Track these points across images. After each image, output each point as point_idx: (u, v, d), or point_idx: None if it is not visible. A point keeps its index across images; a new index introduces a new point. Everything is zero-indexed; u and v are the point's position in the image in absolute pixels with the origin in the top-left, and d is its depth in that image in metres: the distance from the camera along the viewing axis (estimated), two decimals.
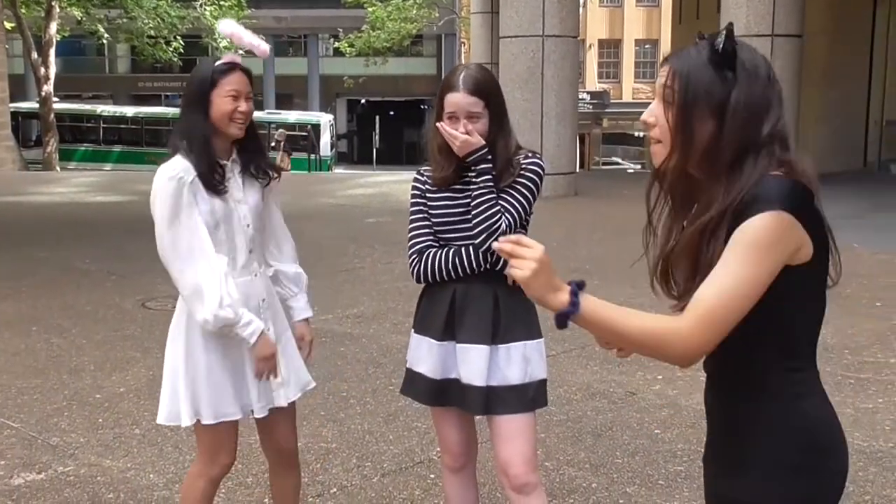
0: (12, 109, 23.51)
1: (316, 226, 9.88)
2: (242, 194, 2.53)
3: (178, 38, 25.47)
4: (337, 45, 32.98)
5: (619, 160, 34.63)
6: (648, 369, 4.86)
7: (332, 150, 30.34)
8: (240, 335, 2.42)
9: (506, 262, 2.39)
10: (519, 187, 2.43)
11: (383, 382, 4.73)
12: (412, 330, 2.58)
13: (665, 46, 32.68)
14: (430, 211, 2.48)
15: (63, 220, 11.07)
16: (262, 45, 2.57)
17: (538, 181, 2.46)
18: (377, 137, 35.39)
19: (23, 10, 23.10)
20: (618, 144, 36.82)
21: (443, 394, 2.49)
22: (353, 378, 4.83)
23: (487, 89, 2.39)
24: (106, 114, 30.98)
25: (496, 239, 2.37)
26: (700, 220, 1.49)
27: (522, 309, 2.46)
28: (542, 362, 2.49)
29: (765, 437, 1.52)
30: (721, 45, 1.49)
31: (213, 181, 2.43)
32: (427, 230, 2.48)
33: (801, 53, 11.21)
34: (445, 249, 2.45)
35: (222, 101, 2.42)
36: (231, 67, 2.46)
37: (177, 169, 2.41)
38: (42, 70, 23.12)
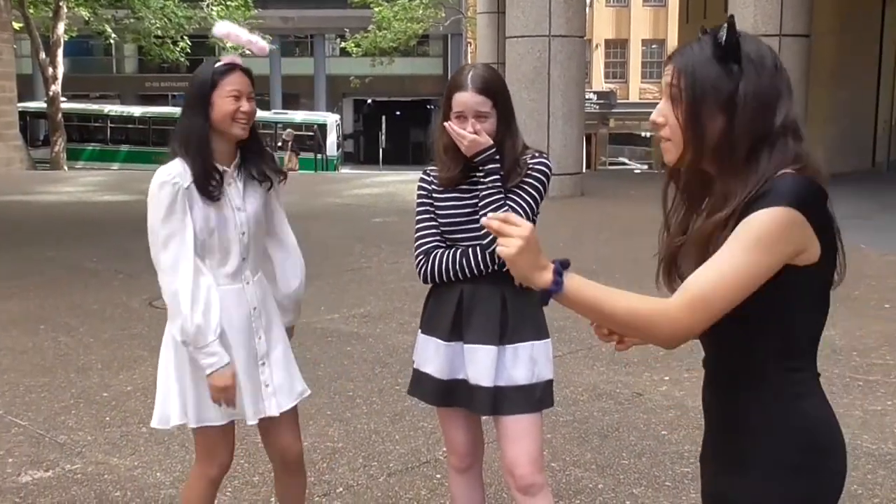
0: (20, 109, 23.62)
1: (322, 225, 9.89)
2: (242, 201, 2.50)
3: (185, 38, 25.52)
4: (343, 45, 33.04)
5: (626, 160, 34.58)
6: (655, 370, 4.85)
7: (338, 149, 30.36)
8: (198, 361, 2.40)
9: None
10: (526, 187, 2.42)
11: (390, 382, 4.73)
12: (419, 330, 2.57)
13: (672, 46, 32.57)
14: (437, 211, 2.47)
15: (70, 220, 11.11)
16: (261, 43, 2.55)
17: (545, 181, 2.46)
18: (383, 137, 35.40)
19: (31, 11, 23.19)
20: (624, 145, 36.78)
21: (450, 394, 2.49)
22: (359, 378, 4.83)
23: (495, 88, 2.39)
24: (113, 113, 31.07)
25: None
26: (716, 217, 1.48)
27: (530, 309, 2.45)
28: (548, 363, 2.48)
29: (765, 437, 1.52)
30: (724, 39, 1.48)
31: (208, 187, 2.41)
32: (434, 230, 2.48)
33: (808, 53, 11.18)
34: (453, 250, 2.44)
35: (224, 101, 2.41)
36: (231, 68, 2.45)
37: (172, 173, 2.39)
38: (50, 70, 23.20)
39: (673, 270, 1.61)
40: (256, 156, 2.56)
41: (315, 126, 28.41)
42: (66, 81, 25.19)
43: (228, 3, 25.02)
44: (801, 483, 1.50)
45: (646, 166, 30.47)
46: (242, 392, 2.51)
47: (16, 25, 22.88)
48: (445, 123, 2.39)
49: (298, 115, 30.68)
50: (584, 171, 13.66)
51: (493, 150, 2.37)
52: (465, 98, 2.35)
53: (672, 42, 32.68)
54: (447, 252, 2.44)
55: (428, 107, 38.26)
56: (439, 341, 2.47)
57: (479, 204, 2.39)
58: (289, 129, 25.86)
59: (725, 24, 1.49)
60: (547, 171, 2.46)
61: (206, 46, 28.18)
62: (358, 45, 30.50)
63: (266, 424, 2.62)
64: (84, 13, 24.62)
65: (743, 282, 1.41)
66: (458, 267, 2.42)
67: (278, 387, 2.58)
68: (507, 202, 2.38)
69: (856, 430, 3.96)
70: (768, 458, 1.51)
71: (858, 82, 15.29)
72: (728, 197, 1.47)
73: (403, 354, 5.00)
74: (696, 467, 3.76)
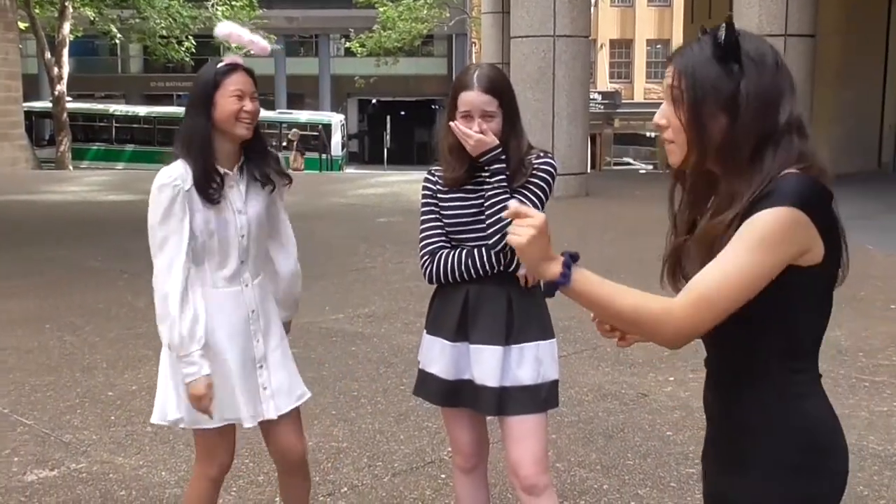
0: (26, 109, 23.71)
1: (327, 225, 9.90)
2: (244, 204, 2.50)
3: (190, 37, 25.59)
4: (348, 45, 33.06)
5: (631, 160, 34.54)
6: (660, 371, 4.84)
7: (342, 149, 30.39)
8: (179, 366, 2.40)
9: (518, 264, 2.40)
10: (532, 187, 2.41)
11: (394, 382, 4.73)
12: (424, 330, 2.57)
13: (677, 46, 32.55)
14: (443, 212, 2.46)
15: (75, 219, 11.13)
16: (262, 43, 2.55)
17: (551, 181, 2.45)
18: (388, 137, 35.42)
19: (36, 11, 23.27)
20: (629, 145, 36.73)
21: (455, 395, 2.49)
22: (364, 377, 4.83)
23: (501, 88, 2.38)
24: (118, 113, 31.15)
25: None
26: (721, 217, 1.47)
27: (535, 309, 2.46)
28: (554, 363, 2.48)
29: (765, 437, 1.51)
30: (723, 38, 1.47)
31: (208, 189, 2.41)
32: (439, 230, 2.47)
33: (814, 53, 11.15)
34: (458, 250, 2.44)
35: (227, 101, 2.41)
36: (234, 68, 2.45)
37: (173, 176, 2.40)
38: (55, 70, 23.26)
39: (677, 270, 1.61)
40: (260, 157, 2.55)
41: (320, 126, 28.44)
42: (72, 81, 25.24)
43: (233, 2, 25.07)
44: (802, 483, 1.50)
45: (651, 166, 30.42)
46: (238, 396, 2.50)
47: (21, 25, 22.96)
48: (451, 123, 2.38)
49: (303, 115, 30.72)
50: (588, 171, 13.64)
51: (500, 149, 2.36)
52: (472, 97, 2.34)
53: (677, 42, 32.62)
54: (453, 252, 2.43)
55: (433, 107, 38.28)
56: (445, 342, 2.47)
57: (485, 204, 2.38)
58: (294, 129, 25.90)
59: (724, 24, 1.49)
60: (552, 170, 2.46)
61: (212, 46, 28.19)
62: (363, 45, 30.51)
63: (267, 426, 2.62)
64: (89, 13, 24.69)
65: (747, 282, 1.40)
66: (463, 267, 2.41)
67: (276, 390, 2.57)
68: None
69: (862, 431, 3.95)
70: (768, 458, 1.51)
71: (864, 82, 15.26)
72: (734, 197, 1.46)
73: (408, 354, 5.00)
74: (701, 468, 3.74)
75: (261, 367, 2.56)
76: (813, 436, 1.51)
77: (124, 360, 5.15)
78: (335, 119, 30.30)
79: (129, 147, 29.81)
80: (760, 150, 1.46)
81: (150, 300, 2.50)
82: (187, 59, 26.29)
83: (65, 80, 23.60)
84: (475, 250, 2.41)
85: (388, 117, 36.30)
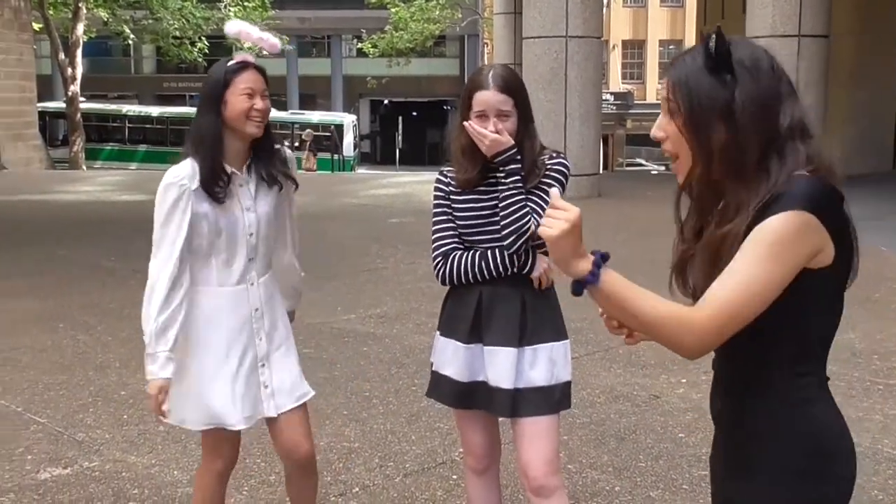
0: (40, 109, 23.87)
1: (339, 226, 9.91)
2: (252, 202, 2.50)
3: (203, 38, 25.68)
4: (360, 45, 33.10)
5: (643, 161, 34.42)
6: (672, 372, 4.82)
7: (355, 150, 30.43)
8: (145, 359, 2.41)
9: (532, 266, 2.40)
10: (546, 188, 2.40)
11: (406, 383, 4.73)
12: (437, 332, 2.56)
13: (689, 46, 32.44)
14: (456, 213, 2.45)
15: (88, 219, 11.20)
16: (272, 40, 2.54)
17: (564, 181, 2.44)
18: (400, 138, 35.46)
19: (50, 12, 23.42)
20: (641, 146, 36.58)
21: (469, 396, 2.48)
22: (375, 378, 4.83)
23: (516, 88, 2.37)
24: (131, 113, 31.32)
25: (525, 241, 2.35)
26: (727, 228, 1.46)
27: (549, 311, 2.45)
28: (567, 364, 2.47)
29: (771, 442, 1.50)
30: (714, 48, 1.46)
31: (214, 188, 2.41)
32: (452, 231, 2.46)
33: (827, 54, 11.09)
34: (472, 252, 2.43)
35: (237, 99, 2.41)
36: (244, 66, 2.44)
37: (180, 175, 2.40)
38: (69, 70, 23.40)
39: (685, 278, 1.60)
40: (268, 156, 2.54)
41: (332, 126, 28.50)
42: (85, 82, 25.39)
43: (246, 3, 25.14)
44: (808, 488, 1.49)
45: (663, 167, 30.30)
46: (230, 398, 2.49)
47: (35, 26, 23.12)
48: (465, 123, 2.37)
49: (315, 116, 30.79)
50: (601, 172, 13.61)
51: (515, 149, 2.35)
52: (487, 97, 2.33)
53: (689, 43, 32.52)
54: (466, 254, 2.43)
55: (445, 107, 38.28)
56: (458, 343, 2.46)
57: (500, 205, 2.37)
58: (308, 130, 25.99)
59: (713, 33, 1.47)
60: (565, 171, 2.45)
61: (224, 47, 28.26)
62: (375, 46, 30.54)
63: (273, 424, 2.62)
64: (103, 14, 24.83)
65: (763, 290, 1.39)
66: (477, 269, 2.40)
67: (277, 388, 2.57)
68: (528, 203, 2.37)
69: (876, 435, 3.92)
70: (775, 462, 1.50)
71: (878, 83, 15.16)
72: (740, 206, 1.45)
73: (420, 355, 5.00)
74: (710, 469, 3.72)
75: (263, 365, 2.56)
76: (819, 441, 1.50)
77: (137, 360, 5.14)
78: (347, 120, 30.35)
79: (142, 147, 29.97)
80: (765, 158, 1.45)
81: None
82: (200, 59, 26.39)
83: (78, 81, 23.74)
84: (489, 252, 2.40)
85: (400, 118, 36.34)
